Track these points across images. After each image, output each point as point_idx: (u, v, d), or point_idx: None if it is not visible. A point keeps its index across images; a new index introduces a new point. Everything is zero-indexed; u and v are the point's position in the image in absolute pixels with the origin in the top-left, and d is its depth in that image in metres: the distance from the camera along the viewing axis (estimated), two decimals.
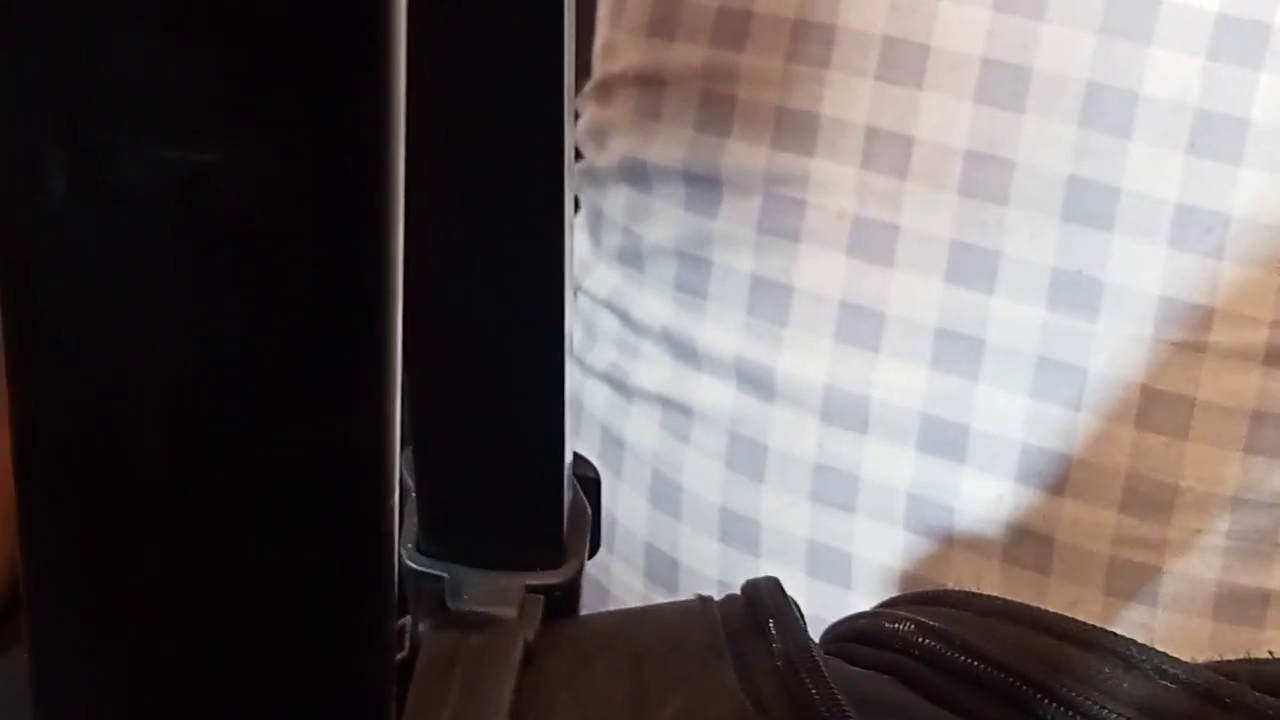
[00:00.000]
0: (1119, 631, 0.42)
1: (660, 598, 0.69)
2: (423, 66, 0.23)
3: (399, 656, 0.39)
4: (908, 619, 0.43)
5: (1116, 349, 0.61)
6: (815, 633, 0.44)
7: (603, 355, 0.76)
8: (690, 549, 0.72)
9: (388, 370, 0.23)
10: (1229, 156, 0.58)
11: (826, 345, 0.66)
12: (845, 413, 0.66)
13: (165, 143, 0.20)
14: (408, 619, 0.41)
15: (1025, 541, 0.64)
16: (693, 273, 0.70)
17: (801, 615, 0.43)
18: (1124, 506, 0.62)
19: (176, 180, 0.20)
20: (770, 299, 0.68)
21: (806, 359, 0.67)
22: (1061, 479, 0.63)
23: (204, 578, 0.23)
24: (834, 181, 0.65)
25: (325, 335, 0.22)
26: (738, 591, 0.44)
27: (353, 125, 0.21)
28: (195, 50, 0.20)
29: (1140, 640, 0.41)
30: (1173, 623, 0.62)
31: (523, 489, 0.41)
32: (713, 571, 0.71)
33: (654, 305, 0.72)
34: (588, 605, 0.44)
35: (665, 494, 0.73)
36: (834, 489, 0.67)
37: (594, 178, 0.75)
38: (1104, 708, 0.39)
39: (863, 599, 0.66)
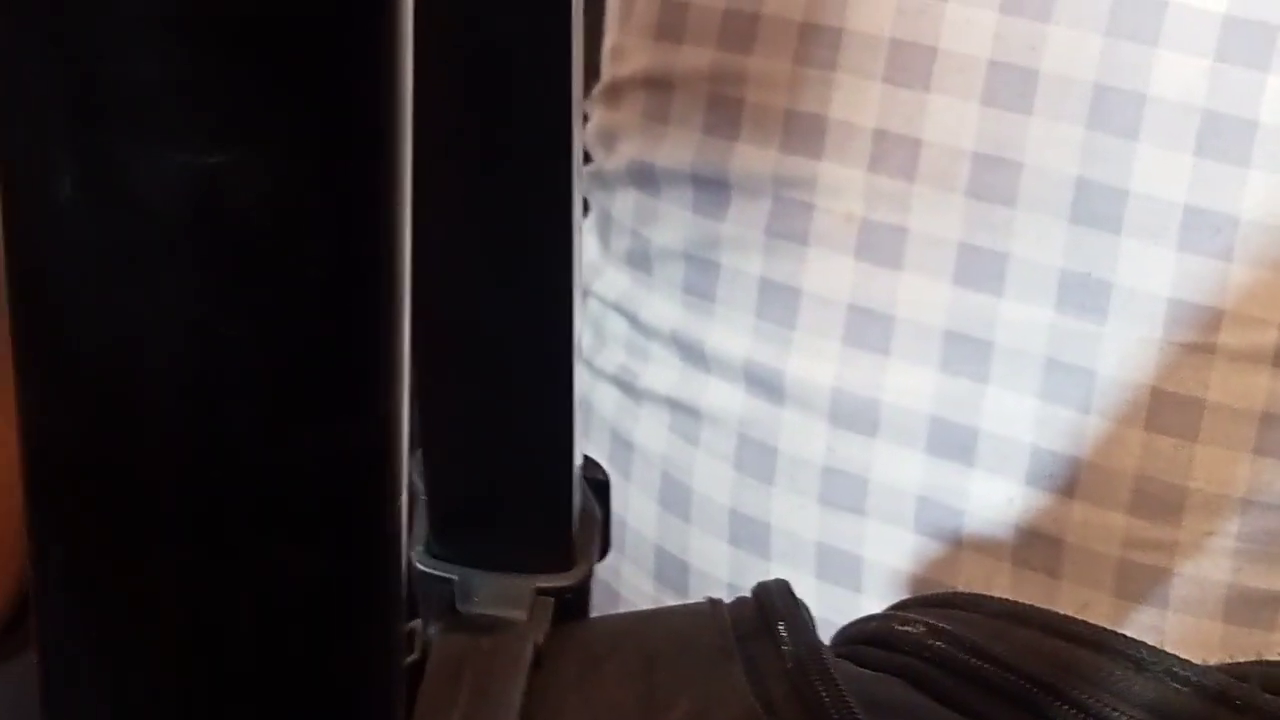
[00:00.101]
0: (1129, 634, 0.42)
1: (670, 600, 0.69)
2: (430, 69, 0.24)
3: (409, 659, 0.39)
4: (918, 621, 0.43)
5: (1125, 351, 0.61)
6: (825, 635, 0.44)
7: (612, 358, 0.76)
8: (700, 552, 0.72)
9: (395, 374, 0.23)
10: (1237, 158, 0.58)
11: (835, 348, 0.66)
12: (854, 415, 0.66)
13: (173, 146, 0.20)
14: (418, 622, 0.41)
15: (1035, 544, 0.64)
16: (701, 276, 0.70)
17: (812, 618, 0.43)
18: (1134, 508, 0.62)
19: (184, 184, 0.20)
20: (779, 302, 0.68)
21: (815, 362, 0.67)
22: (1071, 481, 0.63)
23: (212, 582, 0.23)
24: (842, 184, 0.65)
25: (333, 339, 0.22)
26: (748, 594, 0.44)
27: (360, 129, 0.22)
28: (202, 54, 0.20)
29: (1151, 643, 0.41)
30: (1183, 625, 0.62)
31: (532, 492, 0.41)
32: (722, 574, 0.71)
33: (663, 308, 0.72)
34: (597, 608, 0.44)
35: (675, 496, 0.73)
36: (843, 492, 0.67)
37: (603, 181, 0.75)
38: (1115, 710, 0.39)
39: (873, 601, 0.66)
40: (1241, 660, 0.44)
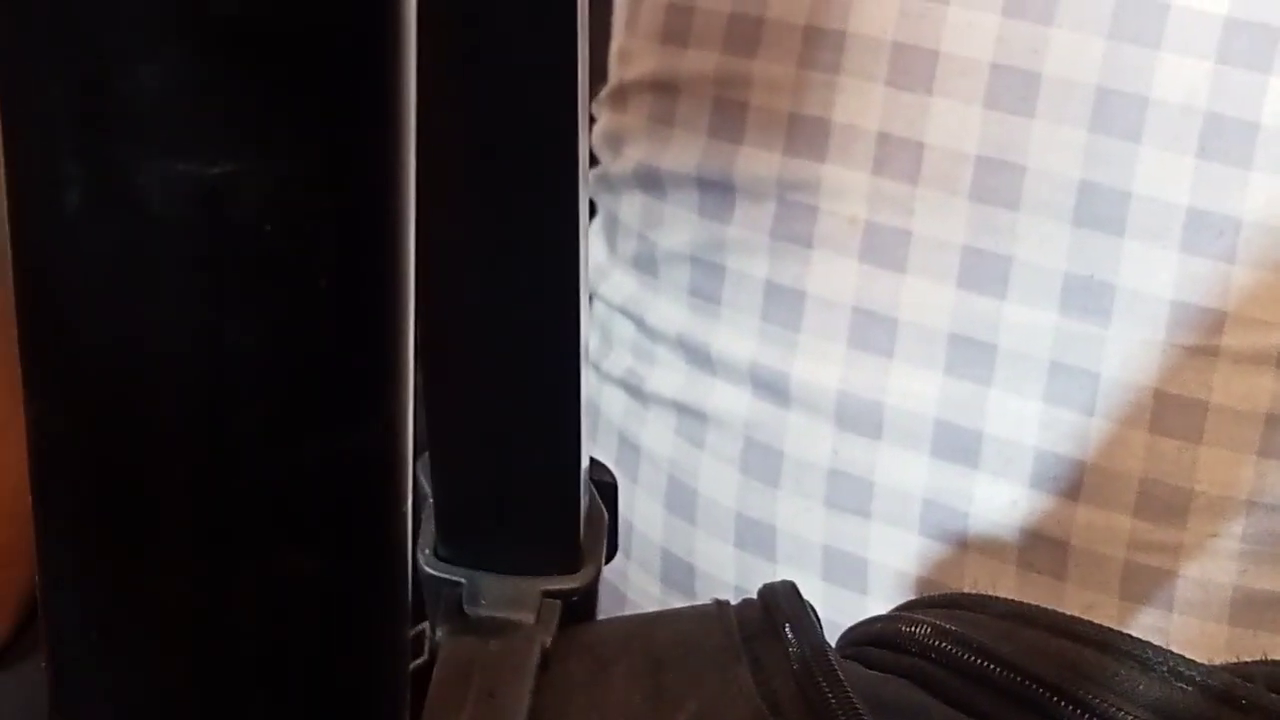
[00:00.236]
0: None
1: (676, 603, 0.69)
2: (436, 73, 0.24)
3: (417, 662, 0.39)
4: (924, 622, 0.43)
5: (1129, 353, 0.61)
6: (831, 637, 0.44)
7: (619, 361, 0.76)
8: (706, 554, 0.72)
9: (400, 379, 0.24)
10: (1239, 160, 0.58)
11: (840, 351, 0.66)
12: (859, 418, 0.66)
13: (179, 155, 0.20)
14: (425, 625, 0.41)
15: (1040, 546, 0.64)
16: (707, 279, 0.70)
17: (818, 619, 0.43)
18: (1138, 511, 0.62)
19: (190, 192, 0.20)
20: (784, 305, 0.68)
21: (820, 365, 0.67)
22: (1075, 484, 0.63)
23: (219, 586, 0.23)
24: (846, 187, 0.65)
25: (338, 344, 0.22)
26: (754, 596, 0.44)
27: (364, 136, 0.22)
28: (208, 63, 0.20)
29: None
30: (1188, 627, 0.62)
31: (539, 494, 0.41)
32: (729, 577, 0.71)
33: (669, 311, 0.73)
34: (604, 610, 0.44)
35: (681, 499, 0.73)
36: (849, 494, 0.67)
37: (609, 184, 0.76)
38: (1121, 710, 0.39)
39: (878, 604, 0.66)
40: (1247, 660, 0.44)
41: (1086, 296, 0.61)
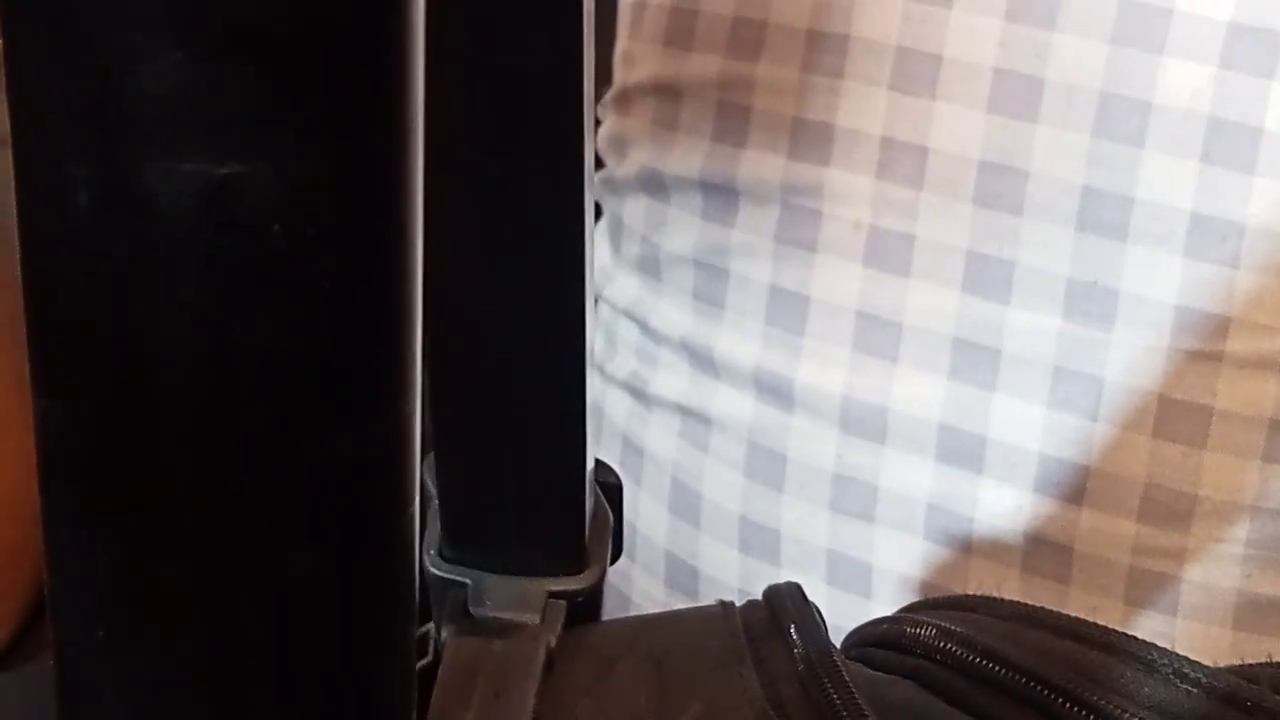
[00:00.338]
0: None
1: (680, 605, 0.69)
2: (443, 76, 0.24)
3: (422, 663, 0.39)
4: (929, 624, 0.43)
5: (1133, 359, 0.61)
6: (835, 642, 0.44)
7: (623, 364, 0.76)
8: (710, 558, 0.72)
9: (408, 379, 0.24)
10: (1243, 165, 0.58)
11: (844, 355, 0.67)
12: (863, 423, 0.66)
13: (187, 156, 0.20)
14: (430, 625, 0.41)
15: (1044, 551, 0.64)
16: (711, 282, 0.70)
17: (823, 620, 0.43)
18: (1142, 516, 0.62)
19: (197, 193, 0.20)
20: (788, 309, 0.68)
21: (824, 369, 0.67)
22: (1079, 489, 0.63)
23: (226, 586, 0.23)
24: (849, 192, 0.65)
25: (346, 345, 0.22)
26: (759, 598, 0.44)
27: (372, 137, 0.22)
28: (215, 65, 0.20)
29: None
30: (1193, 631, 0.62)
31: (545, 495, 0.41)
32: (733, 580, 0.71)
33: (672, 314, 0.73)
34: (609, 613, 0.44)
35: (685, 502, 0.73)
36: (853, 499, 0.67)
37: (613, 187, 0.76)
38: (1125, 712, 0.39)
39: (883, 608, 0.66)
40: (1251, 663, 0.44)
41: (1090, 301, 0.61)
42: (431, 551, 0.42)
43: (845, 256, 0.66)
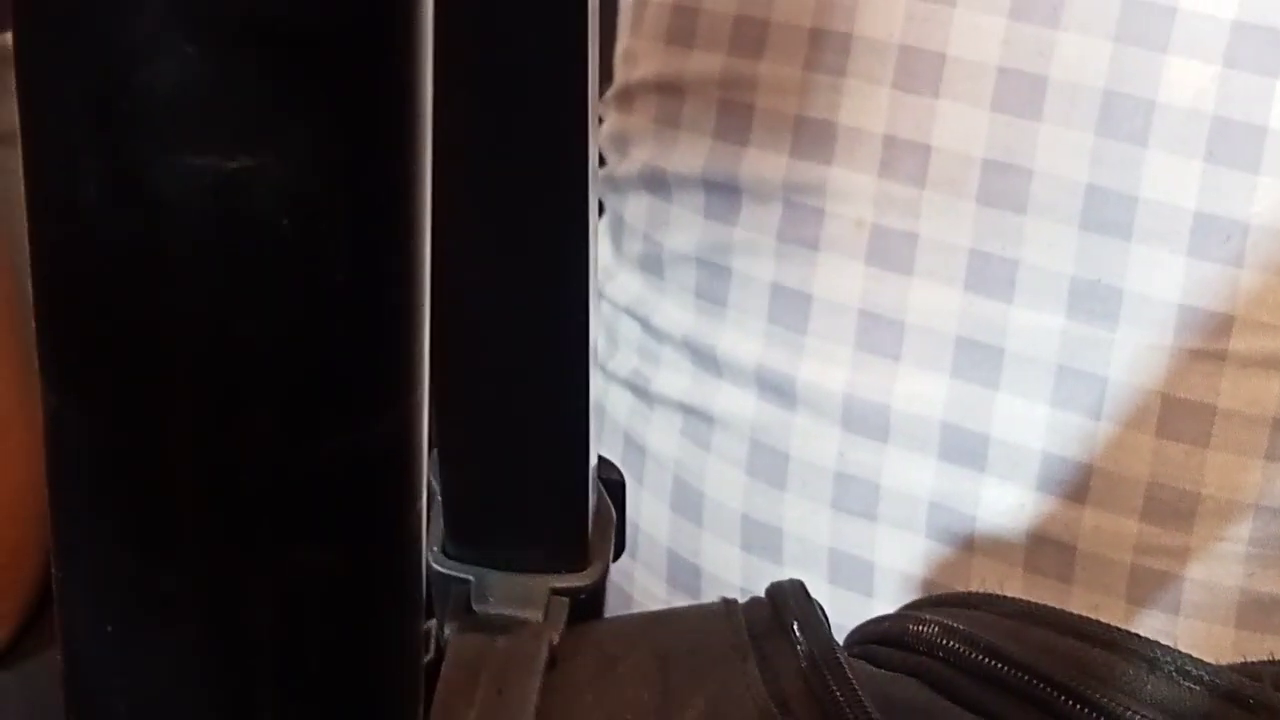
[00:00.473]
0: None
1: (682, 604, 0.69)
2: (447, 73, 0.24)
3: (426, 659, 0.39)
4: (932, 621, 0.44)
5: (1136, 357, 0.61)
6: (838, 640, 0.44)
7: (625, 362, 0.76)
8: (712, 556, 0.72)
9: (416, 374, 0.24)
10: (1247, 164, 0.58)
11: (846, 353, 0.67)
12: (866, 421, 0.66)
13: (196, 151, 0.20)
14: (433, 622, 0.41)
15: (1047, 549, 0.64)
16: (713, 280, 0.70)
17: (826, 617, 0.43)
18: (1145, 514, 0.62)
19: (207, 187, 0.20)
20: (790, 307, 0.68)
21: (827, 367, 0.67)
22: (1082, 487, 0.63)
23: (235, 582, 0.23)
24: (852, 190, 0.65)
25: (355, 340, 0.23)
26: (762, 595, 0.44)
27: (381, 133, 0.22)
28: (226, 59, 0.20)
29: None
30: (1195, 630, 0.62)
31: (548, 492, 0.41)
32: (735, 578, 0.71)
33: (674, 312, 0.73)
34: (610, 611, 0.44)
35: (687, 501, 0.73)
36: (855, 497, 0.67)
37: (615, 185, 0.76)
38: (1128, 709, 0.39)
39: (885, 606, 0.66)
40: (1254, 661, 0.44)
41: (1093, 300, 0.61)
42: (434, 548, 0.42)
43: (848, 255, 0.66)
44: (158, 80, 0.20)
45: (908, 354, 0.65)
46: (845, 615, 0.59)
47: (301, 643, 0.24)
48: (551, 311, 0.38)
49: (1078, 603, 0.63)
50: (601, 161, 0.76)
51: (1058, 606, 0.44)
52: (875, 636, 0.45)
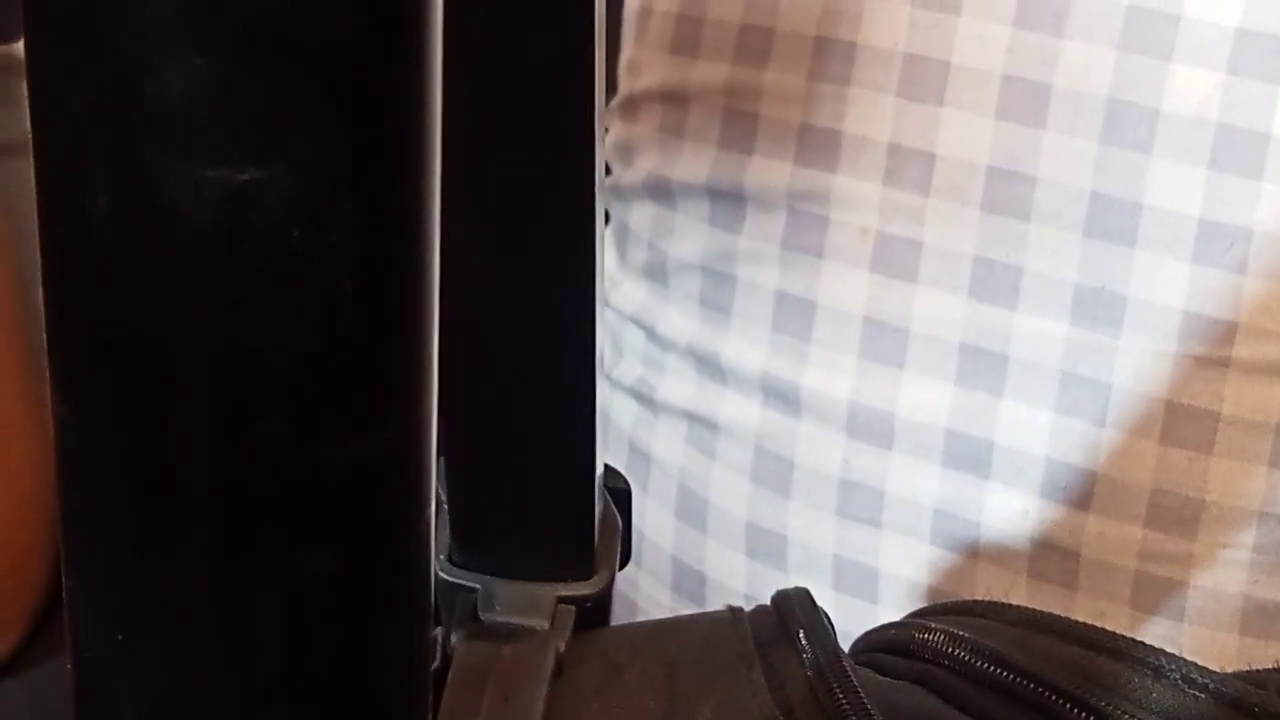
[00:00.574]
0: None
1: (687, 611, 0.69)
2: (456, 84, 0.24)
3: (432, 667, 0.39)
4: (938, 629, 0.44)
5: (1140, 364, 0.61)
6: (844, 647, 0.44)
7: (629, 370, 0.76)
8: (717, 563, 0.72)
9: (425, 382, 0.24)
10: (1250, 171, 0.58)
11: (851, 361, 0.67)
12: (870, 428, 0.66)
13: (207, 161, 0.20)
14: (440, 630, 0.41)
15: (1051, 556, 0.64)
16: (717, 288, 0.71)
17: (832, 625, 0.43)
18: (1149, 521, 0.62)
19: (217, 198, 0.21)
20: (795, 315, 0.68)
21: (831, 375, 0.67)
22: (1086, 494, 0.63)
23: (243, 587, 0.23)
24: (857, 198, 0.65)
25: (363, 349, 0.23)
26: (767, 603, 0.44)
27: (391, 144, 0.22)
28: (236, 70, 0.20)
29: None
30: (1199, 637, 0.62)
31: (554, 500, 0.41)
32: (740, 586, 0.71)
33: (679, 321, 0.73)
34: (616, 619, 0.44)
35: (691, 508, 0.73)
36: (860, 504, 0.67)
37: (620, 193, 0.76)
38: (1133, 717, 0.39)
39: (889, 613, 0.66)
40: (1259, 669, 0.44)
41: (1097, 307, 0.61)
42: (441, 556, 0.42)
43: (852, 263, 0.66)
44: (168, 92, 0.20)
45: (912, 361, 0.65)
46: (850, 622, 0.59)
47: (310, 650, 0.24)
48: (558, 320, 0.38)
49: (1082, 609, 0.63)
50: (607, 171, 0.76)
51: (1062, 613, 0.44)
52: (881, 645, 0.45)
